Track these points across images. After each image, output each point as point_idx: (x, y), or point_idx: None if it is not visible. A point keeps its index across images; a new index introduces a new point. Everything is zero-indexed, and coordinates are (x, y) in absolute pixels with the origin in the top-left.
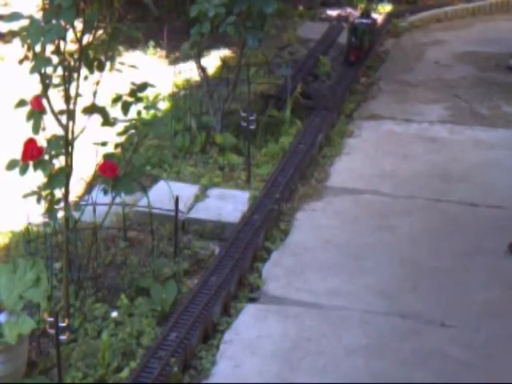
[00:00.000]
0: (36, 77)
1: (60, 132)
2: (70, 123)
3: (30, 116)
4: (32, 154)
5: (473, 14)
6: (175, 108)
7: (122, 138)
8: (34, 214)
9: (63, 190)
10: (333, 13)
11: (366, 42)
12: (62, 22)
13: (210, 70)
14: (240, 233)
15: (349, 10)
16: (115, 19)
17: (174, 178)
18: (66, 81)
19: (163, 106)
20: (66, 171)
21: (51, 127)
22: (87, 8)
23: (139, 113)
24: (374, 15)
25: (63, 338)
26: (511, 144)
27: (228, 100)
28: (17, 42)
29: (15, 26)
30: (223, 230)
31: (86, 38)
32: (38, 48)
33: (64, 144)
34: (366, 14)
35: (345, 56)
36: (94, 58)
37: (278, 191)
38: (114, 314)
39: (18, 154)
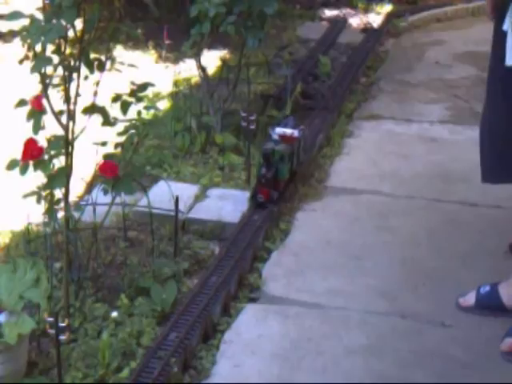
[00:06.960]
0: (36, 77)
1: (60, 132)
2: (70, 123)
3: (30, 116)
4: (32, 154)
5: (473, 14)
6: (175, 108)
7: (122, 138)
8: (34, 214)
9: (63, 190)
10: (333, 13)
11: (286, 170)
12: (63, 22)
13: (210, 70)
14: (240, 233)
15: (347, 10)
16: (115, 19)
17: (174, 178)
18: (66, 81)
19: (163, 105)
20: (66, 171)
21: (51, 127)
22: (88, 7)
23: (139, 113)
24: (373, 15)
25: (63, 338)
26: None
27: (228, 100)
28: (17, 41)
29: (15, 25)
30: (223, 229)
31: (87, 38)
32: (38, 48)
33: (64, 144)
34: (290, 121)
35: (251, 194)
36: (94, 57)
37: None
38: (114, 314)
39: (18, 154)
